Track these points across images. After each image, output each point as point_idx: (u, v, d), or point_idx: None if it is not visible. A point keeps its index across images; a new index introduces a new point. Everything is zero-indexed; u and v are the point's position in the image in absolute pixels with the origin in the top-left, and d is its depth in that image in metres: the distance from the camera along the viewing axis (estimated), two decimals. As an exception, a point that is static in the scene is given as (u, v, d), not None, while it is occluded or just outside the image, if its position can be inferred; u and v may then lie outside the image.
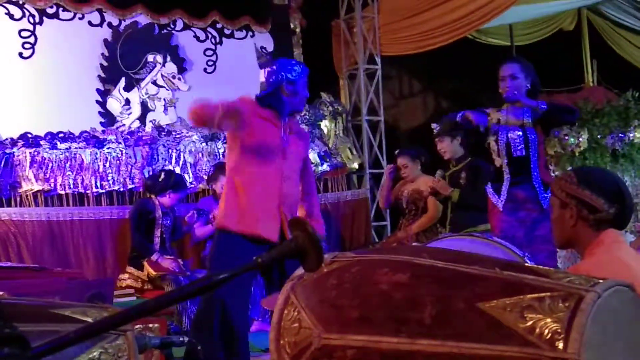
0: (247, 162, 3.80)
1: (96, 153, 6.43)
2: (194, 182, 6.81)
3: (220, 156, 6.95)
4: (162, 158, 6.70)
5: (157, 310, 1.23)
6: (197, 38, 7.43)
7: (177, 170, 6.70)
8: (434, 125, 6.05)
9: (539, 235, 4.36)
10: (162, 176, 5.96)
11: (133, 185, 6.47)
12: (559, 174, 2.31)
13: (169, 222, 5.90)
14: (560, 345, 1.28)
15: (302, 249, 1.26)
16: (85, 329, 1.26)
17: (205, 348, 3.65)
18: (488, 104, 4.71)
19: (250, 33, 7.72)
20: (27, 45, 6.54)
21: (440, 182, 5.64)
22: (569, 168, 6.60)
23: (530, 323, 1.32)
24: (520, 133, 4.49)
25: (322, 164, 7.38)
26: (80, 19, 6.82)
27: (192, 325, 4.33)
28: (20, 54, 6.51)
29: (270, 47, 7.79)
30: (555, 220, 2.38)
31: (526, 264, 1.97)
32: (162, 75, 7.12)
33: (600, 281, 1.40)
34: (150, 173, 6.37)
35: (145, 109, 7.00)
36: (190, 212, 6.01)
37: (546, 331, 1.30)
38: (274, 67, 3.88)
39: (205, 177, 6.66)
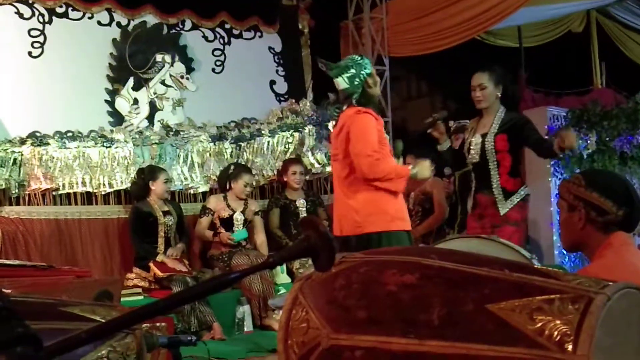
0: None
1: (104, 152, 6.44)
2: (201, 182, 6.83)
3: (228, 156, 6.96)
4: (170, 158, 6.71)
5: (168, 310, 1.23)
6: (206, 38, 7.44)
7: (185, 169, 6.71)
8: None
9: None
10: (136, 177, 6.07)
11: (141, 185, 6.48)
12: (566, 177, 2.30)
13: (171, 220, 5.92)
14: (570, 347, 1.28)
15: (314, 249, 1.26)
16: (97, 328, 1.26)
17: None
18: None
19: (258, 33, 7.73)
20: (36, 45, 6.56)
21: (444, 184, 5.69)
22: (577, 170, 6.58)
23: (539, 325, 1.32)
24: (480, 140, 4.52)
25: (329, 165, 7.38)
26: (89, 18, 6.83)
27: None
28: (30, 53, 6.53)
29: (278, 47, 7.80)
30: (563, 222, 2.37)
31: (535, 266, 1.97)
32: (171, 75, 7.13)
33: (610, 283, 1.40)
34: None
35: (153, 108, 7.01)
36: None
37: (555, 333, 1.30)
38: (353, 72, 4.12)
39: (215, 177, 6.67)
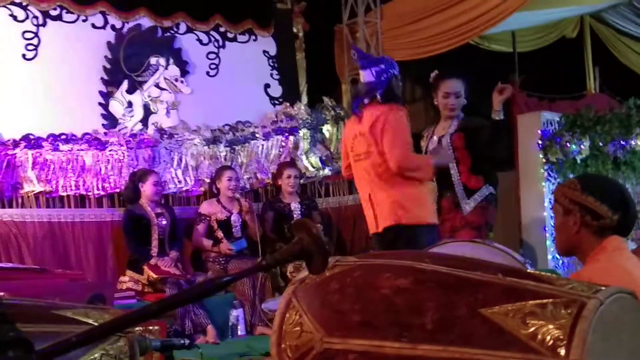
0: None
1: (98, 155, 6.44)
2: (195, 186, 6.82)
3: (222, 159, 6.95)
4: (164, 161, 6.70)
5: (161, 313, 1.23)
6: (200, 41, 7.44)
7: (179, 173, 6.71)
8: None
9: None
10: (128, 181, 6.06)
11: (134, 188, 6.47)
12: (559, 181, 2.30)
13: (164, 222, 5.90)
14: (562, 351, 1.28)
15: (307, 251, 1.26)
16: (90, 332, 1.26)
17: None
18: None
19: (253, 37, 7.73)
20: (30, 47, 6.55)
21: None
22: (571, 175, 6.59)
23: (532, 329, 1.32)
24: (436, 142, 4.51)
25: (324, 169, 7.38)
26: (83, 21, 6.83)
27: None
28: (24, 56, 6.52)
29: (273, 51, 7.80)
30: (558, 227, 2.37)
31: (528, 270, 1.97)
32: (165, 78, 7.13)
33: (603, 288, 1.40)
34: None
35: (147, 111, 7.01)
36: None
37: (548, 337, 1.30)
38: (382, 67, 4.23)
39: (208, 180, 6.66)
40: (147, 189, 5.87)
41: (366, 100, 4.28)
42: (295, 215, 6.46)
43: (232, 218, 6.15)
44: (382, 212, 4.20)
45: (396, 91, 4.30)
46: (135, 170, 6.25)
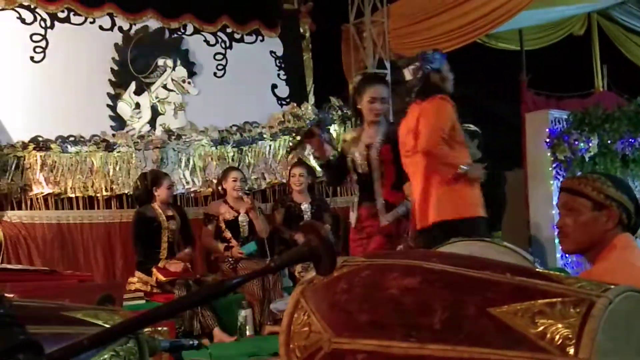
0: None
1: (106, 156, 6.46)
2: (203, 186, 6.84)
3: (230, 160, 6.96)
4: (172, 162, 6.72)
5: (171, 315, 1.24)
6: (207, 42, 7.45)
7: (187, 174, 6.72)
8: None
9: (371, 250, 4.29)
10: (139, 182, 5.99)
11: (143, 189, 6.49)
12: (585, 175, 2.22)
13: (175, 226, 5.91)
14: (572, 350, 1.28)
15: (315, 253, 1.26)
16: (101, 334, 1.26)
17: None
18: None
19: (260, 37, 7.74)
20: (38, 49, 6.58)
21: None
22: (579, 173, 6.57)
23: (541, 328, 1.32)
24: (364, 151, 4.40)
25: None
26: (91, 23, 6.86)
27: None
28: (32, 58, 6.55)
29: (280, 51, 7.81)
30: (585, 222, 2.26)
31: (537, 269, 1.97)
32: (172, 80, 7.15)
33: (612, 287, 1.39)
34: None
35: (155, 112, 7.03)
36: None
37: (557, 337, 1.30)
38: (418, 64, 4.23)
39: (215, 180, 6.67)
40: (161, 192, 5.85)
41: (409, 98, 4.34)
42: (305, 216, 6.46)
43: (240, 218, 6.15)
44: (429, 208, 4.19)
45: (439, 85, 4.24)
46: (145, 171, 6.25)
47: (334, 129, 7.61)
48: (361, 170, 4.42)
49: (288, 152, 6.79)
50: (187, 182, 6.78)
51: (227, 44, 7.56)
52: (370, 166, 4.38)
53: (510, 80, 7.94)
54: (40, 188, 6.19)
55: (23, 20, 6.56)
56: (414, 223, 4.31)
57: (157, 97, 7.05)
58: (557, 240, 6.88)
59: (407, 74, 4.31)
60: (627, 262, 2.19)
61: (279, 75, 7.80)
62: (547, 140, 7.04)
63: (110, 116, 6.82)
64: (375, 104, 4.41)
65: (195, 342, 1.96)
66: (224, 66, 7.49)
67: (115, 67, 6.91)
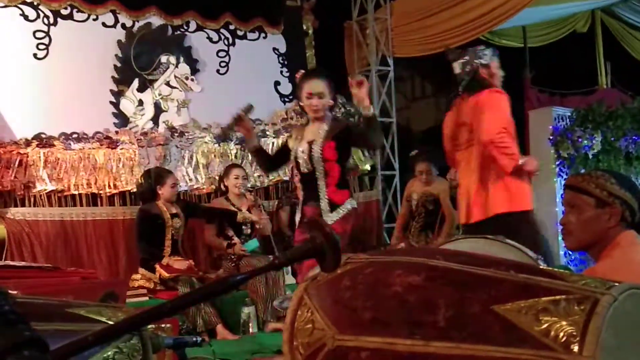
0: None
1: (110, 153, 6.46)
2: (206, 183, 6.84)
3: (233, 157, 6.97)
4: (175, 159, 6.72)
5: (175, 312, 1.23)
6: (210, 39, 7.46)
7: (190, 171, 6.72)
8: None
9: None
10: (142, 180, 5.96)
11: (146, 186, 6.49)
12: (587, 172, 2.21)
13: (179, 224, 5.90)
14: (576, 348, 1.27)
15: (320, 250, 1.26)
16: (105, 331, 1.26)
17: None
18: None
19: (262, 34, 7.75)
20: (41, 46, 6.59)
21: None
22: (582, 170, 6.57)
23: (545, 326, 1.31)
24: (307, 148, 4.25)
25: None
26: (94, 20, 6.86)
27: None
28: (35, 55, 6.56)
29: (282, 48, 7.81)
30: (587, 219, 2.27)
31: (541, 267, 1.96)
32: (175, 76, 7.15)
33: (616, 284, 1.39)
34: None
35: (158, 109, 7.03)
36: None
37: (561, 334, 1.29)
38: (466, 58, 4.28)
39: (217, 177, 6.67)
40: (165, 191, 5.82)
41: (455, 92, 4.37)
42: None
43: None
44: (484, 201, 4.21)
45: (487, 80, 4.27)
46: (148, 168, 6.25)
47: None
48: (304, 169, 4.27)
49: None
50: (190, 179, 6.78)
51: (230, 41, 7.56)
52: (313, 164, 4.22)
53: (514, 77, 7.93)
54: (44, 185, 6.19)
55: (26, 17, 6.57)
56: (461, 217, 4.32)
57: (160, 94, 7.05)
58: (560, 238, 6.90)
59: (456, 68, 4.33)
60: (631, 259, 2.19)
61: (281, 72, 7.80)
62: (551, 137, 7.03)
63: (113, 113, 6.83)
64: (311, 100, 4.27)
65: (199, 339, 1.97)
66: (227, 63, 7.50)
67: (118, 64, 6.92)
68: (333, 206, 4.17)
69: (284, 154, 4.48)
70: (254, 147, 4.49)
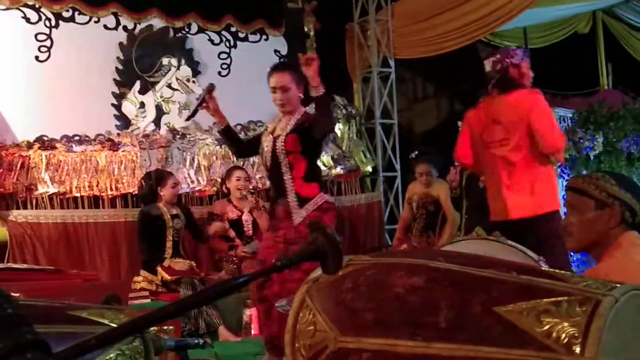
0: None
1: (111, 156, 6.47)
2: (207, 186, 6.84)
3: (234, 159, 6.96)
4: (177, 161, 6.72)
5: (177, 314, 1.23)
6: (212, 41, 7.46)
7: (192, 173, 6.73)
8: None
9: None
10: (143, 182, 5.96)
11: (148, 188, 6.49)
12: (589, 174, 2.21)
13: (179, 225, 5.90)
14: (578, 349, 1.28)
15: (322, 251, 1.26)
16: (108, 333, 1.26)
17: None
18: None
19: (264, 36, 7.75)
20: (43, 49, 6.59)
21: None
22: (584, 171, 6.56)
23: (547, 327, 1.32)
24: (270, 143, 4.16)
25: (335, 167, 7.38)
26: (95, 22, 6.87)
27: None
28: (37, 57, 6.56)
29: (284, 50, 7.81)
30: (588, 221, 2.27)
31: (542, 268, 1.96)
32: (177, 79, 7.15)
33: (618, 285, 1.39)
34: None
35: (160, 112, 7.03)
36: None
37: (563, 335, 1.30)
38: (498, 57, 4.27)
39: (219, 179, 6.67)
40: (166, 192, 5.82)
41: (484, 90, 4.37)
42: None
43: (244, 217, 6.15)
44: (516, 200, 4.16)
45: (517, 80, 4.27)
46: (150, 170, 6.25)
47: (338, 128, 7.60)
48: (267, 162, 4.18)
49: None
50: (192, 182, 6.78)
51: (232, 43, 7.56)
52: (277, 158, 4.11)
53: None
54: (46, 187, 6.19)
55: (28, 20, 6.57)
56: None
57: (161, 96, 7.06)
58: (562, 239, 6.89)
59: (487, 66, 4.33)
60: (632, 260, 2.19)
61: (283, 74, 7.79)
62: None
63: (115, 115, 6.83)
64: (275, 94, 4.20)
65: (201, 341, 1.97)
66: (229, 65, 7.50)
67: (120, 67, 6.92)
68: (302, 201, 4.05)
69: (255, 145, 4.39)
70: (221, 128, 4.43)
